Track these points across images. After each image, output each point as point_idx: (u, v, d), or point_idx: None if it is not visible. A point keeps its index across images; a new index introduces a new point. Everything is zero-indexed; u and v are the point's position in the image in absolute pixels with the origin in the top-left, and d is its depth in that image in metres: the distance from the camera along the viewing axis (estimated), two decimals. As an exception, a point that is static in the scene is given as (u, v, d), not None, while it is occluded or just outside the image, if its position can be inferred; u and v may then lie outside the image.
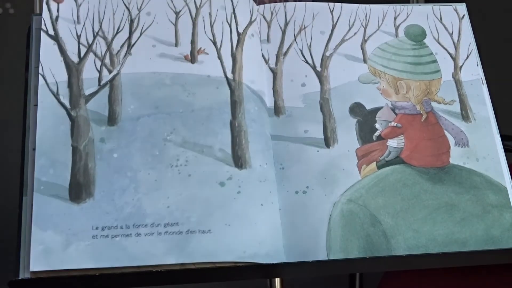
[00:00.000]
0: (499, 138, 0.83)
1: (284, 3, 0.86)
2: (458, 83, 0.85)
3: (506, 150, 0.83)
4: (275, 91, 0.82)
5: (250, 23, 0.84)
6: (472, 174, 0.80)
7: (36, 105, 0.76)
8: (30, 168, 0.73)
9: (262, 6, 0.86)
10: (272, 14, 0.86)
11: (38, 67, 0.78)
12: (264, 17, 0.86)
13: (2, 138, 1.86)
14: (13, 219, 0.74)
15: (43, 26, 0.79)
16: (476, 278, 1.27)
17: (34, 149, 0.74)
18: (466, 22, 0.89)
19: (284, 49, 0.84)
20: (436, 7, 0.90)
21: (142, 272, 0.70)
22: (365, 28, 0.87)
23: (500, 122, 0.84)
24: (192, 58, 0.80)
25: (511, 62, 1.88)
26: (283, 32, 0.85)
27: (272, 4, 0.86)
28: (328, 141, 0.79)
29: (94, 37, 0.79)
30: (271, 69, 0.83)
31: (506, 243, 0.76)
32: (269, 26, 0.85)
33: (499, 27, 1.89)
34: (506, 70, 1.85)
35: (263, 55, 0.84)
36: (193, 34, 0.81)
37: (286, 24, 0.86)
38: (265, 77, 0.82)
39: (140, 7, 0.82)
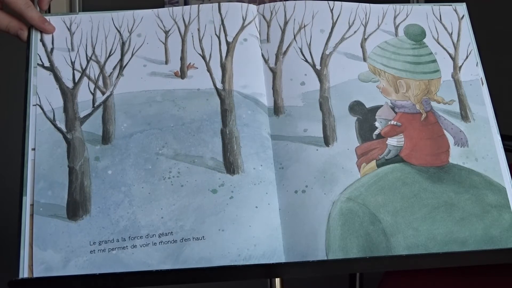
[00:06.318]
0: (499, 138, 0.83)
1: (284, 2, 0.87)
2: (457, 83, 0.85)
3: (506, 150, 0.83)
4: (275, 91, 0.82)
5: (243, 27, 0.85)
6: (471, 173, 0.80)
7: (35, 105, 0.79)
8: (30, 167, 0.76)
9: (262, 5, 0.87)
10: (271, 13, 0.86)
11: (36, 67, 0.81)
12: (264, 16, 0.86)
13: (2, 138, 1.86)
14: (13, 219, 0.75)
15: (38, 61, 0.82)
16: (475, 278, 1.27)
17: (33, 149, 0.77)
18: (466, 22, 0.89)
19: (284, 48, 0.84)
20: (436, 7, 0.90)
21: (141, 272, 0.71)
22: (365, 27, 0.87)
23: (500, 122, 0.84)
24: (181, 73, 0.82)
25: (511, 62, 1.88)
26: (283, 31, 0.85)
27: (271, 4, 0.86)
28: (327, 140, 0.79)
29: (88, 62, 0.82)
30: (270, 68, 0.83)
31: (505, 243, 0.76)
32: (268, 26, 0.86)
33: (499, 27, 1.90)
34: (506, 70, 1.85)
35: (262, 55, 0.84)
36: (182, 50, 0.84)
37: (286, 23, 0.86)
38: (264, 77, 0.83)
39: (131, 29, 0.84)
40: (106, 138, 0.78)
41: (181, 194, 0.75)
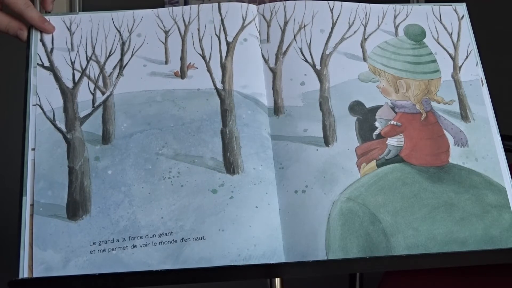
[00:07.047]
0: (499, 138, 0.83)
1: (284, 2, 0.87)
2: (457, 83, 0.85)
3: (506, 150, 0.83)
4: (275, 91, 0.82)
5: (243, 27, 0.85)
6: (471, 173, 0.80)
7: (35, 105, 0.79)
8: (30, 167, 0.76)
9: (262, 5, 0.87)
10: (271, 13, 0.86)
11: (36, 67, 0.81)
12: (264, 16, 0.86)
13: (2, 138, 1.86)
14: (13, 219, 0.74)
15: (38, 61, 0.82)
16: (475, 278, 1.27)
17: (33, 149, 0.77)
18: (466, 22, 0.89)
19: (284, 48, 0.84)
20: (436, 7, 0.90)
21: (141, 272, 0.71)
22: (365, 27, 0.87)
23: (500, 122, 0.84)
24: (181, 73, 0.82)
25: (511, 62, 1.88)
26: (283, 31, 0.85)
27: (271, 4, 0.86)
28: (327, 140, 0.79)
29: (88, 62, 0.82)
30: (270, 68, 0.83)
31: (505, 243, 0.76)
32: (268, 26, 0.86)
33: (499, 27, 1.90)
34: (506, 70, 1.85)
35: (262, 55, 0.84)
36: (182, 50, 0.84)
37: (286, 23, 0.86)
38: (264, 77, 0.83)
39: (131, 29, 0.84)
40: (106, 138, 0.78)
41: (181, 194, 0.75)
